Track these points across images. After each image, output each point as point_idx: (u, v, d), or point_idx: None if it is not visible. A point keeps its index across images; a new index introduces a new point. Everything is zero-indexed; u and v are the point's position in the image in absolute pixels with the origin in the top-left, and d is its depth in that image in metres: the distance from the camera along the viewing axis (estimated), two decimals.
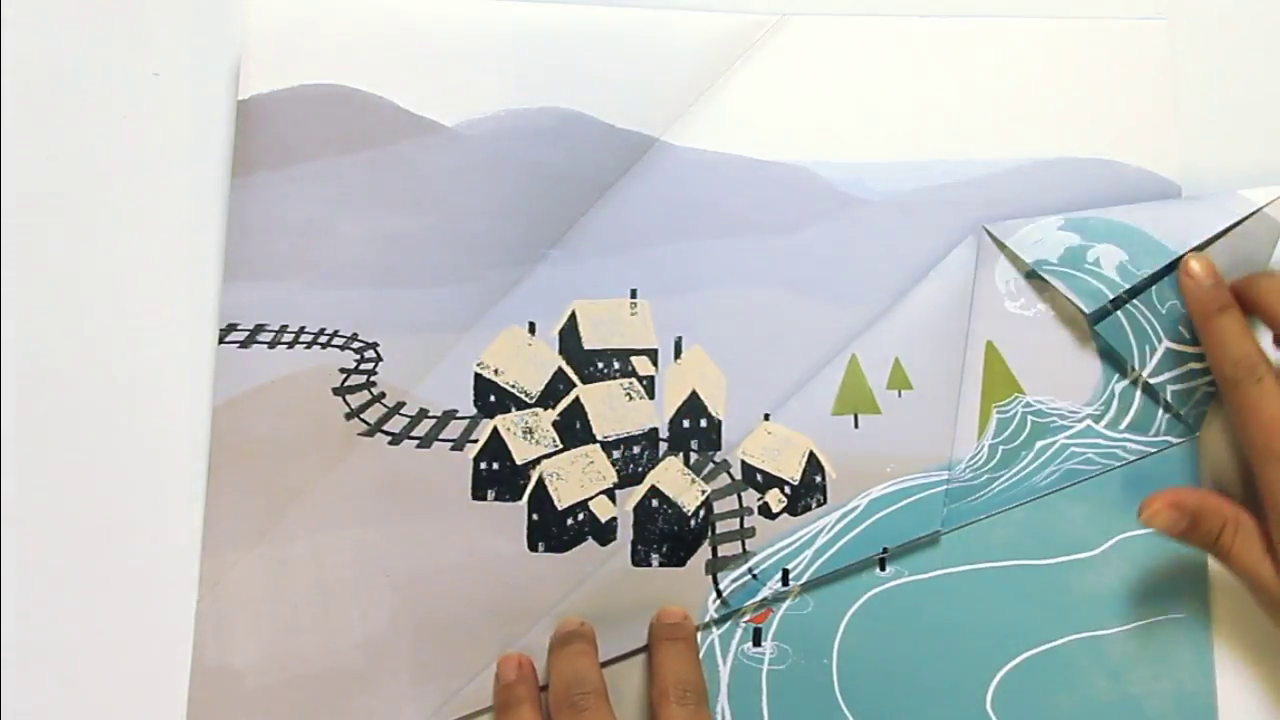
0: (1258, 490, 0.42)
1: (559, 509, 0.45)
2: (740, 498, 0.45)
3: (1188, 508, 0.42)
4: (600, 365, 0.46)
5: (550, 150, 0.47)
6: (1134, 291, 0.45)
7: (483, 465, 0.45)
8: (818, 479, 0.45)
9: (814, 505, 0.45)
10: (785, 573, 0.44)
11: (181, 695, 0.43)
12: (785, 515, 0.45)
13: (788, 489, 0.45)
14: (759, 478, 0.45)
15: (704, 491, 0.45)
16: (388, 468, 0.45)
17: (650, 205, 0.47)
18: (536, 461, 0.46)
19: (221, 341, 0.45)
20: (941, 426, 0.45)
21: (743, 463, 0.45)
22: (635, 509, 0.45)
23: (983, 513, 0.45)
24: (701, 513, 0.45)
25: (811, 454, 0.45)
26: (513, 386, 0.46)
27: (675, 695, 0.41)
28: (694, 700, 0.41)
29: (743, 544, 0.45)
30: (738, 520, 0.45)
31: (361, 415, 0.45)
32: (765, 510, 0.45)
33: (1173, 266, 0.45)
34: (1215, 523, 0.42)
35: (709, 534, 0.45)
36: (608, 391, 0.46)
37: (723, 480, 0.45)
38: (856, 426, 0.45)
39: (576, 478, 0.45)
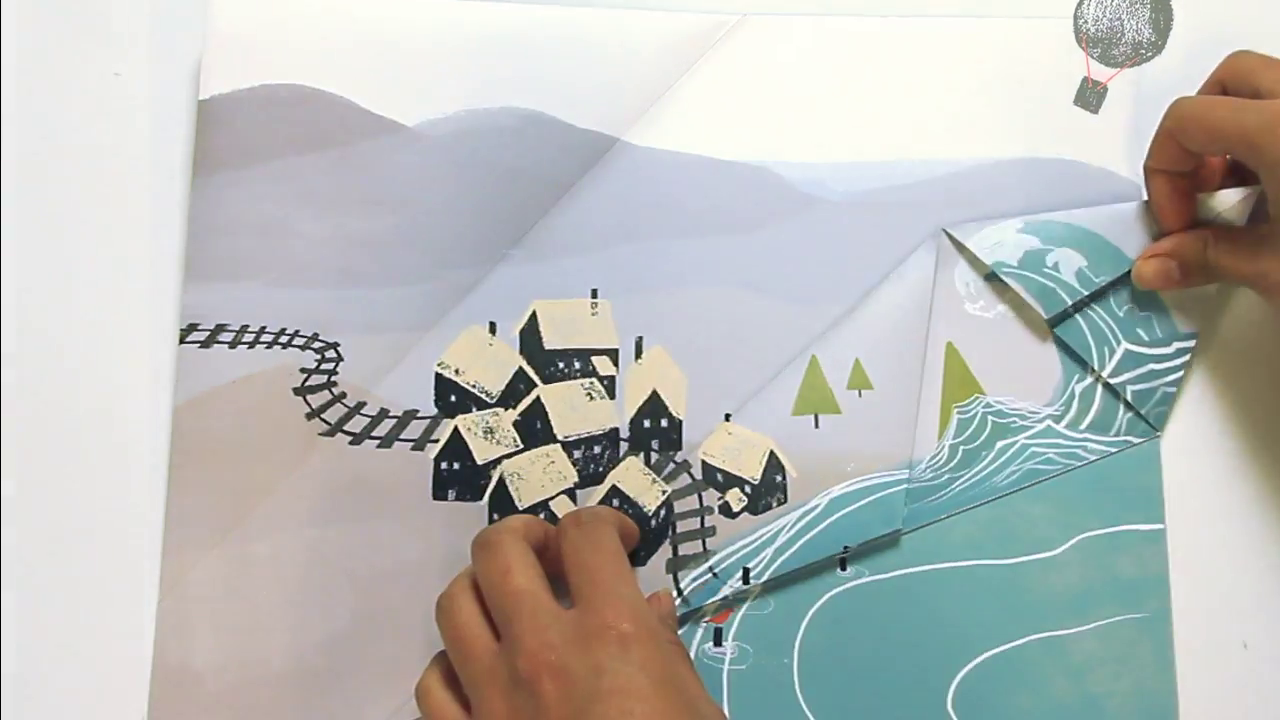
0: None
1: (520, 509, 0.45)
2: (701, 497, 0.45)
3: (1164, 250, 0.44)
4: (561, 365, 0.46)
5: (511, 150, 0.47)
6: (1092, 295, 0.45)
7: (444, 465, 0.45)
8: (778, 478, 0.45)
9: (774, 504, 0.45)
10: (746, 571, 0.44)
11: (142, 696, 0.43)
12: (746, 514, 0.45)
13: (748, 488, 0.45)
14: (719, 477, 0.45)
15: (664, 491, 0.45)
16: (349, 468, 0.45)
17: (611, 205, 0.47)
18: (497, 461, 0.46)
19: (182, 341, 0.45)
20: (902, 427, 0.45)
21: (703, 462, 0.45)
22: None
23: (943, 512, 0.45)
24: (662, 512, 0.45)
25: (772, 454, 0.45)
26: (473, 386, 0.46)
27: (571, 521, 0.41)
28: (589, 516, 0.41)
29: (703, 543, 0.45)
30: (698, 519, 0.45)
31: (322, 415, 0.45)
32: (726, 509, 0.45)
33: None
34: (1197, 246, 0.43)
35: (669, 533, 0.45)
36: (568, 391, 0.46)
37: (683, 480, 0.45)
38: (817, 426, 0.45)
39: (537, 478, 0.45)
